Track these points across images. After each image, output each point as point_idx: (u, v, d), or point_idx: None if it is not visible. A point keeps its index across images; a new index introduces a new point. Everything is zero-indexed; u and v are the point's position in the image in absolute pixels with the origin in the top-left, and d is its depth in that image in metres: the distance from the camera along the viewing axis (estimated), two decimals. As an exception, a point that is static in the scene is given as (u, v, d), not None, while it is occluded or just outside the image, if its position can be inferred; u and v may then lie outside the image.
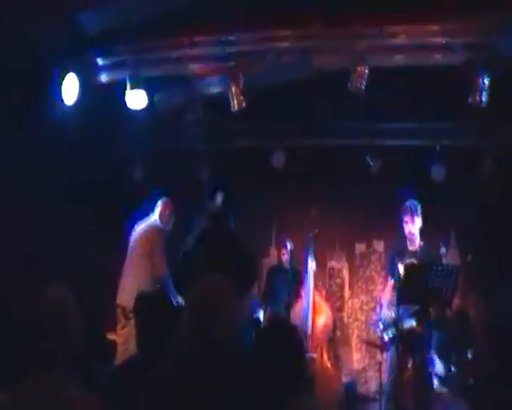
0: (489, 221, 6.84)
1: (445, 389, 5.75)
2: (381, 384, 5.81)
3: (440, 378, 5.91)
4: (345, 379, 7.02)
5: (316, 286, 6.82)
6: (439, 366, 5.97)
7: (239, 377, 2.13)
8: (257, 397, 2.09)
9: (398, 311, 5.34)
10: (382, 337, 5.64)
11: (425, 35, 4.85)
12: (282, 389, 2.43)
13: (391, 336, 5.52)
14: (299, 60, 5.41)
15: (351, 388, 7.01)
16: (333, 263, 8.15)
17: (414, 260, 5.47)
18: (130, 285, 5.70)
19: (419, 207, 5.66)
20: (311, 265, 6.65)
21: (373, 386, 7.29)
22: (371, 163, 7.15)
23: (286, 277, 6.66)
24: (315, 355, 6.36)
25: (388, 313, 5.58)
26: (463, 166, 6.92)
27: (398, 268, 5.57)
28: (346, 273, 8.08)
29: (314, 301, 6.57)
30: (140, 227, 6.19)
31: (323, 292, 7.72)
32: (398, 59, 5.04)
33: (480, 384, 5.01)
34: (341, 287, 8.03)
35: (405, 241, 5.65)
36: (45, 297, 2.24)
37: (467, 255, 6.87)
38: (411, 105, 6.45)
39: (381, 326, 5.63)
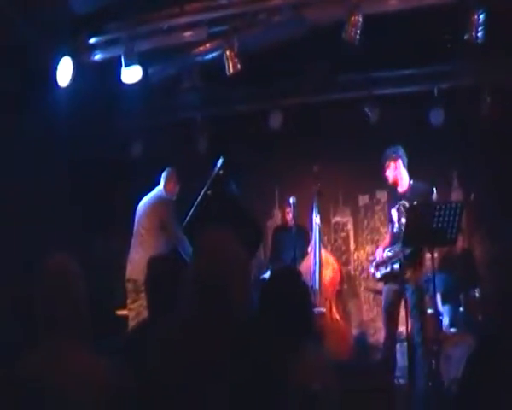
0: (490, 160, 6.88)
1: (453, 330, 5.87)
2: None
3: (449, 319, 6.03)
4: (355, 331, 7.13)
5: (321, 241, 6.86)
6: (444, 309, 6.08)
7: (244, 334, 2.08)
8: (262, 351, 2.05)
9: (391, 250, 5.54)
10: (374, 275, 5.83)
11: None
12: (289, 337, 2.39)
13: (382, 274, 5.67)
14: (292, 17, 5.37)
15: (361, 339, 7.11)
16: (337, 218, 8.19)
17: (405, 203, 5.52)
18: (139, 258, 5.62)
19: (398, 150, 5.74)
20: (317, 220, 6.69)
21: (383, 336, 7.40)
22: (370, 114, 7.14)
23: (290, 234, 6.67)
24: (324, 309, 6.42)
25: (382, 253, 5.72)
26: (462, 108, 6.92)
27: (391, 214, 5.73)
28: (350, 227, 8.11)
29: (321, 256, 6.62)
30: (145, 201, 6.12)
31: (329, 247, 7.77)
32: (392, 4, 5.00)
33: (487, 321, 5.11)
34: (347, 241, 8.07)
35: (395, 186, 5.76)
36: (49, 266, 2.32)
37: (470, 195, 6.90)
38: (406, 51, 6.41)
39: (374, 265, 5.80)
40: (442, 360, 5.14)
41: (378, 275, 5.76)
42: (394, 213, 5.69)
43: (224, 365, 1.90)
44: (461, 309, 5.91)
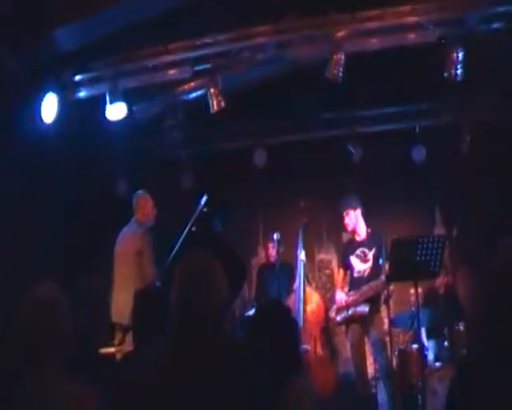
0: (472, 196, 6.97)
1: (438, 364, 5.85)
2: (375, 371, 6.03)
3: (434, 354, 6.04)
4: (340, 369, 7.05)
5: (306, 278, 6.84)
6: (429, 344, 6.11)
7: (231, 357, 2.07)
8: (250, 379, 2.03)
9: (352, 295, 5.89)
10: (335, 319, 6.14)
11: (397, 16, 4.93)
12: (277, 372, 2.36)
13: (343, 317, 6.00)
14: (275, 54, 5.46)
15: (347, 376, 7.03)
16: (321, 255, 8.18)
17: (365, 250, 5.92)
18: (123, 301, 5.14)
19: (354, 201, 6.07)
20: (301, 256, 6.67)
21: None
22: (353, 151, 7.21)
23: (274, 271, 6.62)
24: (308, 347, 6.33)
25: (344, 298, 5.99)
26: (444, 145, 7.03)
27: (350, 260, 6.04)
28: (335, 264, 8.11)
29: (305, 293, 6.57)
30: (121, 236, 5.80)
31: (313, 285, 7.73)
32: (374, 43, 5.11)
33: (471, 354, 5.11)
34: (331, 278, 8.04)
35: (353, 234, 6.10)
36: (35, 295, 2.32)
37: (453, 231, 6.96)
38: (388, 89, 6.54)
39: (334, 309, 6.11)
40: (428, 394, 5.11)
41: (338, 319, 6.08)
42: (354, 259, 6.01)
43: (210, 390, 1.86)
44: (445, 343, 5.91)
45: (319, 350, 6.47)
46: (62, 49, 5.00)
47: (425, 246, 4.98)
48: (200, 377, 1.87)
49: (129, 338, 4.98)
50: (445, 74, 5.15)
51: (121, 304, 5.28)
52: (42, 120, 5.44)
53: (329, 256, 8.18)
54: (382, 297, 5.82)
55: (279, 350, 2.51)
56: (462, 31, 4.94)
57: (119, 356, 5.44)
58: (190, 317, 2.02)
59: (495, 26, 4.86)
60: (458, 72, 5.11)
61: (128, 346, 5.08)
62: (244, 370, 2.00)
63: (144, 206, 5.81)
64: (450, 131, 6.93)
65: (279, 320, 2.68)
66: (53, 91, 5.40)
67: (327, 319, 6.62)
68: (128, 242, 5.69)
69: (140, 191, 5.90)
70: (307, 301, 6.58)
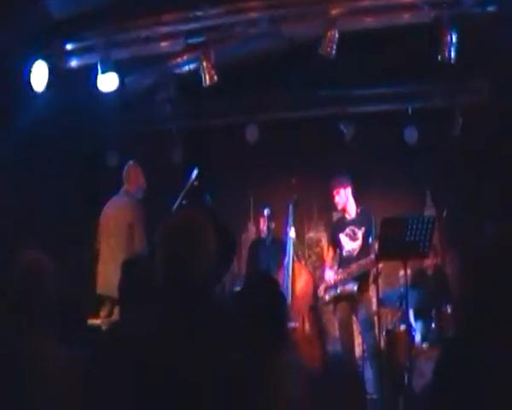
0: (463, 179, 6.99)
1: (426, 345, 5.90)
2: (363, 350, 6.09)
3: (421, 335, 6.10)
4: (329, 348, 7.09)
5: (297, 255, 6.85)
6: (416, 325, 6.16)
7: (220, 322, 1.96)
8: (236, 349, 1.93)
9: (341, 273, 5.93)
10: (323, 298, 6.13)
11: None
12: (264, 344, 2.27)
13: (331, 296, 6.02)
14: (268, 29, 5.42)
15: (336, 356, 7.08)
16: (311, 234, 8.20)
17: (354, 228, 5.94)
18: (110, 272, 5.16)
19: (345, 179, 6.06)
20: (291, 233, 6.68)
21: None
22: (345, 130, 7.21)
23: (265, 246, 6.64)
24: (296, 324, 6.23)
25: (332, 276, 6.01)
26: (436, 127, 7.03)
27: (339, 238, 6.05)
28: (324, 243, 8.12)
29: (294, 269, 6.58)
30: (110, 206, 5.70)
31: (303, 262, 7.76)
32: (368, 21, 5.08)
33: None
34: (320, 256, 8.06)
35: (343, 212, 6.11)
36: (22, 260, 2.42)
37: (442, 213, 6.99)
38: (382, 69, 6.52)
39: (323, 288, 6.12)
40: (415, 375, 5.16)
41: (327, 297, 6.08)
42: (343, 237, 6.03)
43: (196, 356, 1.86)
44: (433, 325, 5.95)
45: (307, 328, 6.49)
46: (54, 16, 4.92)
47: (415, 226, 4.98)
48: (188, 341, 1.85)
49: (117, 310, 5.01)
50: (439, 56, 5.12)
51: (108, 276, 5.29)
52: (32, 89, 5.37)
53: (319, 234, 8.20)
54: (371, 276, 5.85)
55: (266, 322, 2.50)
56: (456, 12, 4.91)
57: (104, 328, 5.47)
58: (177, 273, 1.97)
59: (490, 9, 4.84)
60: (452, 54, 5.08)
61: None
62: (231, 339, 1.97)
63: (135, 177, 5.73)
64: (442, 113, 6.93)
65: (266, 292, 2.69)
66: (43, 59, 5.34)
67: (316, 296, 6.66)
68: (119, 212, 5.56)
69: (131, 162, 5.81)
70: (296, 277, 6.56)
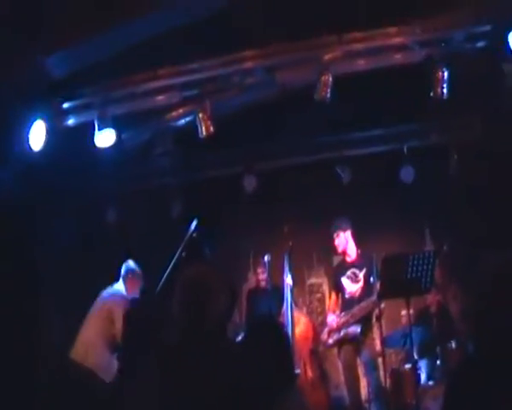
0: (461, 215, 7.00)
1: (431, 383, 5.85)
2: (368, 392, 5.99)
3: (426, 373, 6.02)
4: (333, 392, 6.97)
5: (296, 303, 6.81)
6: (421, 363, 6.09)
7: (229, 364, 2.12)
8: (245, 388, 2.05)
9: (343, 316, 5.93)
10: (327, 342, 6.15)
11: (384, 38, 5.00)
12: (269, 385, 2.36)
13: (334, 339, 6.02)
14: (264, 78, 5.50)
15: (340, 401, 6.95)
16: (312, 280, 8.16)
17: (356, 271, 5.98)
18: (86, 342, 5.40)
19: (344, 222, 6.15)
20: (288, 280, 6.64)
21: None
22: (342, 174, 7.25)
23: (265, 295, 6.62)
24: (298, 370, 6.21)
25: (335, 320, 6.03)
26: (432, 165, 7.08)
27: (341, 282, 6.07)
28: (325, 288, 8.08)
29: (292, 316, 6.51)
30: (105, 295, 5.79)
31: (304, 309, 7.69)
32: (361, 64, 5.17)
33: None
34: (322, 302, 8.02)
35: (344, 256, 6.19)
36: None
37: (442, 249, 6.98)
38: (375, 111, 6.60)
39: (326, 332, 6.14)
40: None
41: (330, 341, 6.09)
42: (345, 280, 6.05)
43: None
44: (438, 362, 5.88)
45: (309, 373, 6.41)
46: (52, 76, 4.98)
47: (415, 262, 5.00)
48: (200, 383, 1.87)
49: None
50: (432, 94, 5.20)
51: (84, 344, 5.41)
52: (30, 148, 5.39)
53: (320, 280, 8.16)
54: (374, 317, 5.80)
55: (272, 365, 2.50)
56: (447, 50, 5.01)
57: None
58: (193, 326, 2.02)
59: (479, 44, 4.94)
60: (444, 90, 5.17)
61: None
62: (239, 383, 2.00)
63: (134, 284, 5.87)
64: (437, 150, 6.99)
65: (272, 335, 2.68)
66: (42, 119, 5.38)
67: (316, 340, 6.58)
68: (105, 309, 5.60)
69: (135, 267, 5.95)
70: (295, 324, 6.54)
